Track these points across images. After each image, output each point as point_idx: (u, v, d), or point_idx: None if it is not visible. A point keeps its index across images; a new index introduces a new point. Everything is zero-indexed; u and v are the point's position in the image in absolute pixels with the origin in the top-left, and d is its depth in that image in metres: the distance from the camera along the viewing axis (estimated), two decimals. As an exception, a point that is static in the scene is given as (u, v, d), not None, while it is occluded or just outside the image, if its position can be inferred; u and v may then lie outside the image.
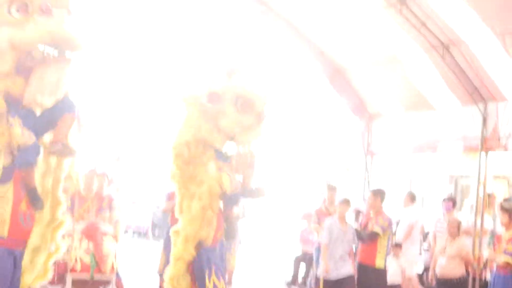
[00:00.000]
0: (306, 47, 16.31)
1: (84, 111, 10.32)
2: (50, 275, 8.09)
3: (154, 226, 26.24)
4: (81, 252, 11.77)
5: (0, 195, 7.16)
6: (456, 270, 12.66)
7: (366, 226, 12.38)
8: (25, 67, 7.17)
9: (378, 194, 12.54)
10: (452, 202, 14.65)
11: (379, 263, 12.17)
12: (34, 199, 7.31)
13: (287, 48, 17.04)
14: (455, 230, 12.82)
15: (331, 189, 14.70)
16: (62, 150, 7.49)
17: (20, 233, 7.26)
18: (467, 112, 13.89)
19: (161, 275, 13.81)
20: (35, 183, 7.37)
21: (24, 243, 7.39)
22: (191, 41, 16.47)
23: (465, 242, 12.88)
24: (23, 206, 7.22)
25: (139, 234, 26.23)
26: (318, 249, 14.20)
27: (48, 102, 7.38)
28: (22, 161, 7.21)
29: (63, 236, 11.13)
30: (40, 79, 7.20)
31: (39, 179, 7.59)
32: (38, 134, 7.40)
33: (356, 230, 12.66)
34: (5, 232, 7.14)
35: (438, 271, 12.73)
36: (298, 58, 17.21)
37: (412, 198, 15.11)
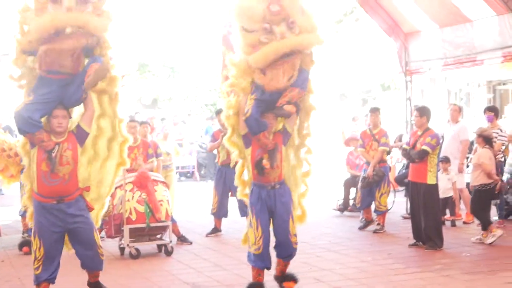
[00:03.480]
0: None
1: (122, 61, 10.59)
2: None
3: (199, 166, 26.36)
4: (134, 203, 11.91)
5: (31, 156, 8.20)
6: (477, 179, 12.70)
7: (414, 145, 12.29)
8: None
9: (424, 112, 12.40)
10: (494, 112, 14.55)
11: (430, 180, 12.12)
12: (48, 159, 8.07)
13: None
14: (479, 140, 12.87)
15: (374, 111, 14.64)
16: (92, 79, 8.16)
17: (44, 189, 8.14)
18: (502, 21, 13.67)
19: (214, 215, 14.01)
20: (51, 146, 8.09)
21: (51, 198, 8.15)
22: None
23: (482, 152, 12.68)
24: (44, 166, 8.08)
25: (186, 175, 26.41)
26: (365, 171, 14.26)
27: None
28: (18, 129, 8.18)
29: (115, 189, 11.45)
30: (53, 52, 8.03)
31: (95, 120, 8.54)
32: (66, 100, 8.24)
33: (404, 149, 12.63)
34: (35, 188, 8.14)
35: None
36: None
37: (460, 111, 14.99)
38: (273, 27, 8.68)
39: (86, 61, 8.33)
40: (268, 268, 9.20)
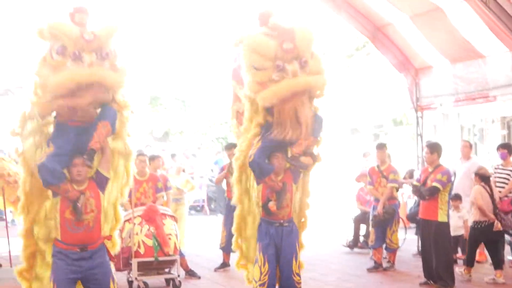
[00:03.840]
0: (344, 7, 16.06)
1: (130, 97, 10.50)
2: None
3: (209, 200, 26.34)
4: (143, 236, 11.87)
5: (53, 205, 8.13)
6: (472, 216, 12.83)
7: (425, 182, 12.17)
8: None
9: (434, 149, 12.29)
10: (507, 149, 14.40)
11: (441, 218, 11.97)
12: (74, 209, 7.94)
13: (324, 11, 16.85)
14: (476, 178, 12.87)
15: (380, 147, 14.54)
16: (89, 157, 8.07)
17: (68, 237, 8.03)
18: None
19: (223, 249, 13.92)
20: (76, 195, 7.96)
21: (75, 246, 8.03)
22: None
23: (475, 190, 12.71)
24: (67, 214, 7.98)
25: (195, 209, 26.30)
26: (374, 209, 14.12)
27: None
28: (43, 181, 8.01)
29: (124, 222, 11.40)
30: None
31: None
32: (82, 148, 8.10)
33: (415, 186, 12.51)
34: (59, 236, 8.07)
35: None
36: (337, 19, 17.04)
37: (471, 147, 14.91)
38: (285, 64, 8.61)
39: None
40: None
